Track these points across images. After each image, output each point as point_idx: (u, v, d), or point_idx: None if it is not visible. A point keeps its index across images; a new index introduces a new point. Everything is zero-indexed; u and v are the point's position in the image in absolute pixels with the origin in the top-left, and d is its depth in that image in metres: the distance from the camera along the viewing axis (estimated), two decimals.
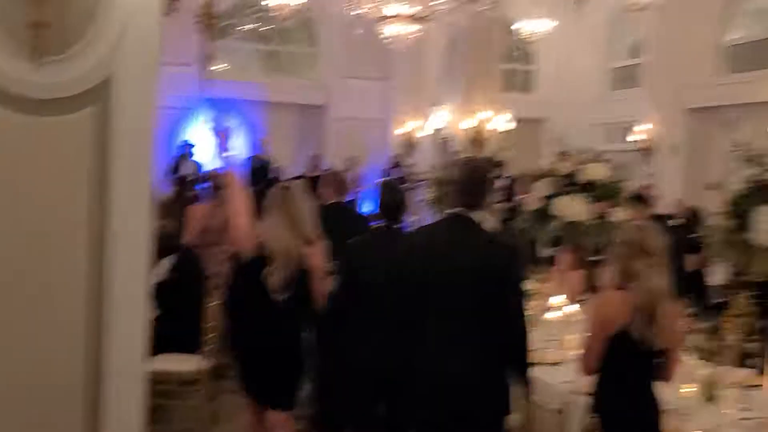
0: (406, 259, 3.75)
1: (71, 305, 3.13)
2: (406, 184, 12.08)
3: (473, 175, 3.71)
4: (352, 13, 9.89)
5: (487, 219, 3.79)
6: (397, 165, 15.37)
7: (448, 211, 3.77)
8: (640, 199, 6.10)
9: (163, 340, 5.85)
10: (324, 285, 4.58)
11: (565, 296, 5.62)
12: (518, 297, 3.72)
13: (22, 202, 3.03)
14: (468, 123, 12.84)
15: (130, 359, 3.18)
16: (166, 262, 6.38)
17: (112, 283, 3.14)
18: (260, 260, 4.32)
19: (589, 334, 3.55)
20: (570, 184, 5.37)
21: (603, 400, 3.53)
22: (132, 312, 3.21)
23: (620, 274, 3.50)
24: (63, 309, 3.13)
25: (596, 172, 5.42)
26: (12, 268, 3.04)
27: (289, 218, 4.37)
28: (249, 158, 15.31)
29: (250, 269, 4.37)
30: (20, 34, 2.84)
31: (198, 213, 7.51)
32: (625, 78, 16.49)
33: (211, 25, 2.94)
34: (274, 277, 4.28)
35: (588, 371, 3.58)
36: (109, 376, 3.17)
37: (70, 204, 3.08)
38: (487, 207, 3.78)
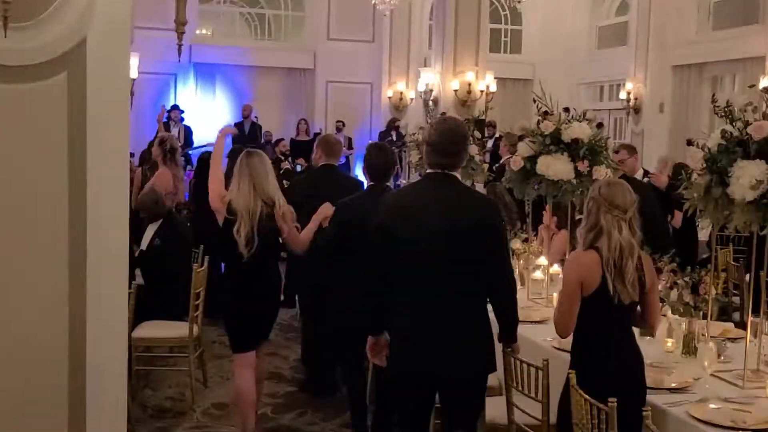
0: (388, 219, 3.75)
1: (54, 271, 3.14)
2: (400, 146, 12.05)
3: (448, 135, 3.71)
4: None
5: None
6: (395, 127, 15.27)
7: (429, 170, 3.78)
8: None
9: (151, 307, 5.89)
10: (297, 236, 5.00)
11: (548, 255, 5.66)
12: (503, 251, 3.77)
13: (1, 171, 3.02)
14: (455, 84, 12.77)
15: (113, 327, 3.20)
16: (151, 230, 6.38)
17: (92, 247, 3.16)
18: (230, 219, 4.81)
19: (565, 295, 3.58)
20: (553, 143, 5.35)
21: (581, 356, 3.58)
22: (113, 274, 3.23)
23: (589, 230, 3.55)
24: (46, 276, 3.14)
25: (580, 131, 5.41)
26: None
27: (251, 180, 4.82)
28: (237, 123, 15.25)
29: (224, 228, 4.86)
30: None
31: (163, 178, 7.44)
32: (612, 36, 16.44)
33: None
34: (240, 233, 4.75)
35: (566, 333, 3.62)
36: (92, 345, 3.19)
37: (50, 171, 3.08)
38: (462, 165, 3.85)
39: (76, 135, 3.04)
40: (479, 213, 3.66)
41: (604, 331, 3.54)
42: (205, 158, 7.78)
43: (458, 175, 3.80)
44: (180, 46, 3.31)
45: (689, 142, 4.14)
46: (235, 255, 4.77)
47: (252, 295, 4.88)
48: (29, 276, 3.10)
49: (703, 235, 7.98)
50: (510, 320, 3.79)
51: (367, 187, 4.97)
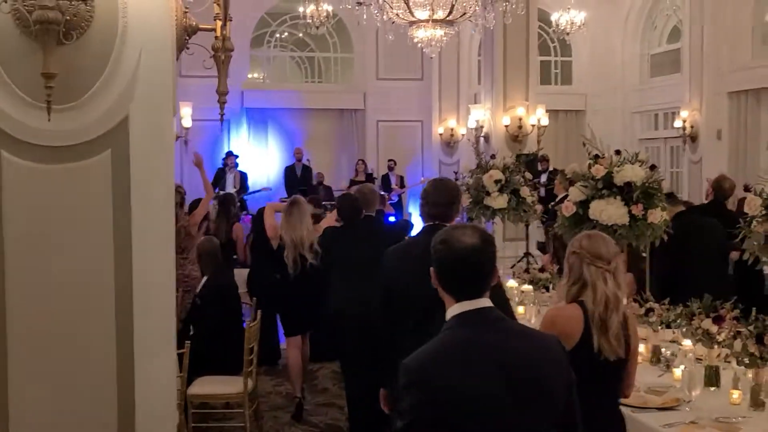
0: (390, 268, 4.19)
1: (102, 347, 3.15)
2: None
3: (443, 193, 4.18)
4: (383, 18, 9.77)
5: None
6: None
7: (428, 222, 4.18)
8: (671, 197, 5.93)
9: (203, 362, 5.90)
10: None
11: None
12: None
13: (49, 251, 3.04)
14: (506, 119, 12.69)
15: (161, 398, 3.19)
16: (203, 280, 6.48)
17: (140, 321, 3.16)
18: (281, 248, 6.74)
19: None
20: (605, 187, 5.25)
21: None
22: (160, 344, 3.22)
23: (573, 283, 3.44)
24: (95, 347, 3.15)
25: (632, 173, 5.30)
26: (43, 317, 3.06)
27: (295, 220, 6.68)
28: (289, 166, 15.40)
29: (276, 254, 6.81)
30: (33, 83, 2.85)
31: None
32: (665, 64, 16.20)
33: (225, 59, 2.93)
34: (289, 258, 6.67)
35: None
36: (141, 416, 3.19)
37: (96, 248, 3.09)
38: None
39: (121, 211, 3.05)
40: None
41: (588, 392, 3.31)
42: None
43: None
44: (222, 115, 3.34)
45: (746, 188, 4.00)
46: (284, 274, 6.69)
47: (294, 296, 6.76)
48: (79, 353, 3.11)
49: None
50: None
51: (340, 224, 6.47)
